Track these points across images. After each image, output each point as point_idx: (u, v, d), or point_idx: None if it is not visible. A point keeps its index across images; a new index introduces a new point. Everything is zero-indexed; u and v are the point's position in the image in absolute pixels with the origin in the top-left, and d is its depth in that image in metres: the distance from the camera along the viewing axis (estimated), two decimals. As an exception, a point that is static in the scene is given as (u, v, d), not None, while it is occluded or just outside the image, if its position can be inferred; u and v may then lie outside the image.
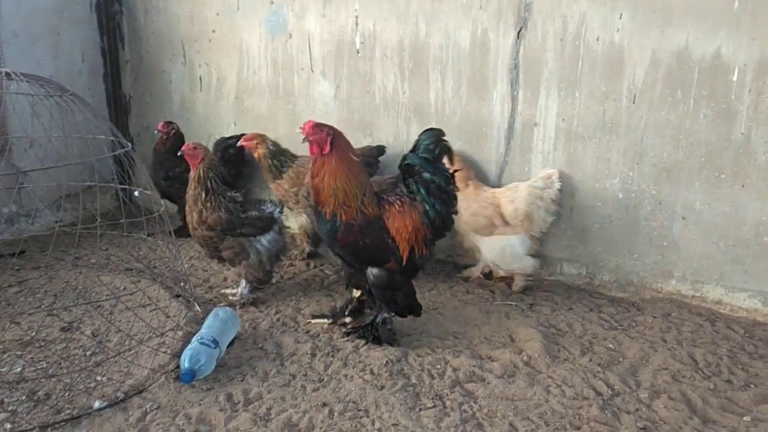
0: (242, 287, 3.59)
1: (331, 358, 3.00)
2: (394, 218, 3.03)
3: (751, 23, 3.26)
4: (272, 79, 4.67)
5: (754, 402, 2.72)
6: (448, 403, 2.67)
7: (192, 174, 3.45)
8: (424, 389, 2.77)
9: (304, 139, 2.99)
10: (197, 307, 3.45)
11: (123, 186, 3.40)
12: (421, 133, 3.09)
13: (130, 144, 3.18)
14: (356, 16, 4.25)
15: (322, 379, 2.84)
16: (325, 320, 3.34)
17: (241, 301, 3.57)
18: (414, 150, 3.07)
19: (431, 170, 3.02)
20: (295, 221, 4.23)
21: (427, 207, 3.03)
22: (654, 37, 3.48)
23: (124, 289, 3.68)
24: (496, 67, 3.89)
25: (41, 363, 2.91)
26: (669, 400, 2.71)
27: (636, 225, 3.72)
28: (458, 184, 3.16)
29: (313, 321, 3.36)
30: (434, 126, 4.00)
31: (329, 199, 2.98)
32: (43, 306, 3.47)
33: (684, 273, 3.66)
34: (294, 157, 4.06)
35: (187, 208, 3.49)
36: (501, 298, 3.73)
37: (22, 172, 3.59)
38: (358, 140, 4.37)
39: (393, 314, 3.18)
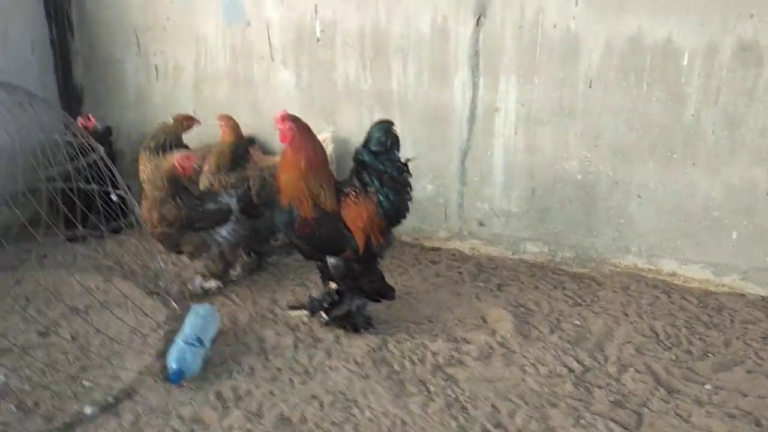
0: (195, 280, 3.66)
1: (314, 350, 3.09)
2: (350, 209, 3.12)
3: (700, 9, 3.41)
4: (231, 68, 4.64)
5: (713, 371, 2.92)
6: (431, 388, 2.80)
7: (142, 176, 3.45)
8: (407, 376, 2.89)
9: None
10: (174, 304, 3.48)
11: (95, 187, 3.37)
12: (372, 126, 3.18)
13: (101, 146, 3.16)
14: (315, 4, 4.24)
15: (308, 372, 2.93)
16: (303, 311, 3.42)
17: (193, 291, 3.63)
18: (366, 144, 3.16)
19: (384, 162, 3.11)
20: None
21: (381, 198, 3.13)
22: (608, 23, 3.60)
23: (97, 288, 3.65)
24: (457, 54, 3.97)
25: (24, 370, 2.90)
26: (636, 372, 2.90)
27: (594, 204, 3.89)
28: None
29: (291, 313, 3.43)
30: (397, 113, 4.12)
31: (284, 189, 3.08)
32: (15, 309, 3.43)
33: (640, 248, 3.86)
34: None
35: (145, 207, 3.49)
36: (470, 279, 3.87)
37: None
38: (321, 128, 4.38)
39: (365, 300, 3.29)
